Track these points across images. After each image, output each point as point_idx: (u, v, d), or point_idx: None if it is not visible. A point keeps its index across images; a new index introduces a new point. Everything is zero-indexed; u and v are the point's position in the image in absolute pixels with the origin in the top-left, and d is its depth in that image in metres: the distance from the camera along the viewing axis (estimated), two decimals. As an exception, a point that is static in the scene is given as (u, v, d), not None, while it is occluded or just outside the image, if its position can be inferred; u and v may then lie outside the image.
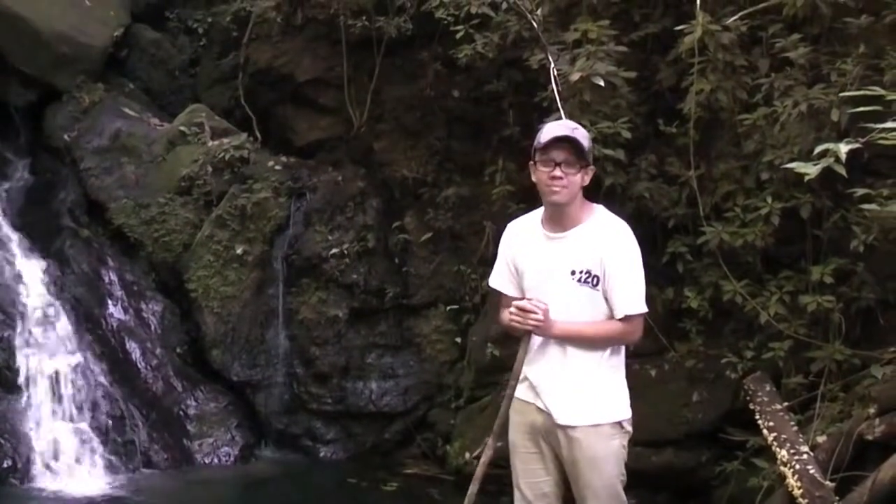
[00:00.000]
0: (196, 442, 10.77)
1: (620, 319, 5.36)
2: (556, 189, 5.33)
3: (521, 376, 5.56)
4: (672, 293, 9.28)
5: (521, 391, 5.59)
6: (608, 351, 5.43)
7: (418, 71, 11.63)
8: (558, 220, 5.44)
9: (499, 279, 5.72)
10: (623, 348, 5.53)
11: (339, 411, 11.23)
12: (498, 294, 5.81)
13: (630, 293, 5.36)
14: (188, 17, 14.01)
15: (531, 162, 5.48)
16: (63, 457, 9.97)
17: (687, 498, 9.37)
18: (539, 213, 5.61)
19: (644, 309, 5.44)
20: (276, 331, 11.41)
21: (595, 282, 5.33)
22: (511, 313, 5.37)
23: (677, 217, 9.19)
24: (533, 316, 5.27)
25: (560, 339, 5.40)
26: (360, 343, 11.34)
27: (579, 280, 5.35)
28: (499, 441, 5.58)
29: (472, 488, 5.60)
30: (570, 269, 5.36)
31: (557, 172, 5.31)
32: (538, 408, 5.50)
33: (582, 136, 5.41)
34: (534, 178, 5.49)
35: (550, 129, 5.45)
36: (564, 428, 5.41)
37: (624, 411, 5.49)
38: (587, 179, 5.43)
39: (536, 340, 5.47)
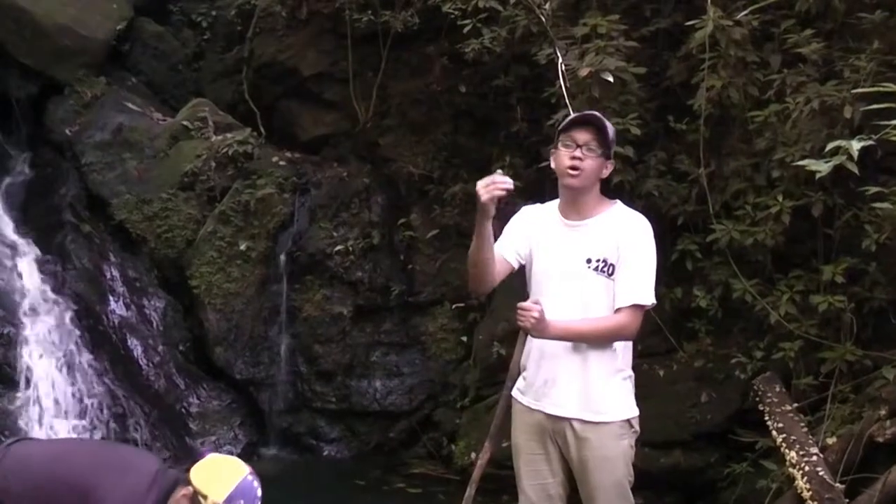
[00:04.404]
0: (198, 440, 10.78)
1: (619, 310, 5.36)
2: (574, 172, 5.36)
3: (529, 379, 5.57)
4: (681, 292, 9.26)
5: (528, 392, 5.60)
6: (618, 348, 5.44)
7: (425, 66, 11.65)
8: (576, 208, 5.47)
9: (502, 243, 5.67)
10: (631, 345, 5.54)
11: (343, 410, 11.25)
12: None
13: (638, 283, 5.36)
14: (192, 10, 14.03)
15: (552, 149, 5.52)
16: (63, 454, 9.99)
17: (694, 499, 9.39)
18: (555, 202, 5.63)
19: (648, 301, 5.43)
20: (279, 328, 11.43)
21: (611, 271, 5.34)
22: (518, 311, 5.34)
23: (686, 215, 9.19)
24: (531, 314, 5.26)
25: (556, 339, 5.41)
26: (364, 341, 11.36)
27: (595, 269, 5.37)
28: (498, 442, 5.59)
29: (470, 490, 5.60)
30: (587, 256, 5.38)
31: (578, 153, 5.35)
32: (547, 407, 5.50)
33: (608, 124, 5.48)
34: (552, 165, 5.53)
35: (576, 114, 5.50)
36: (574, 427, 5.42)
37: (632, 409, 5.51)
38: (606, 172, 5.48)
39: (540, 342, 5.48)
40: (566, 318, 5.36)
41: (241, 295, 11.39)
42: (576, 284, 5.38)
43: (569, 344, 5.41)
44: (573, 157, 5.36)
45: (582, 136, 5.37)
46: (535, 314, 5.23)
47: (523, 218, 5.73)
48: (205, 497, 4.46)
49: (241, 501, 4.46)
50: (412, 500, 10.02)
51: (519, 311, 5.31)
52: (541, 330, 5.30)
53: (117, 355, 10.90)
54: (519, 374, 5.57)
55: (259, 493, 4.54)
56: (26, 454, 4.91)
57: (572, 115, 5.54)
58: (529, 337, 5.46)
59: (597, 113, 5.60)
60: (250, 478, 4.56)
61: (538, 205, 5.77)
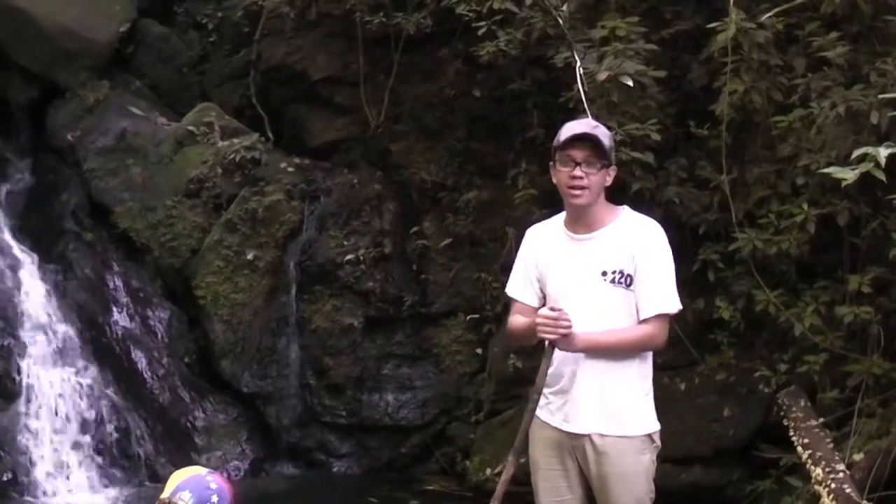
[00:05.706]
0: (204, 455, 10.76)
1: (645, 321, 5.39)
2: (577, 192, 5.36)
3: (547, 392, 5.58)
4: (702, 303, 9.27)
5: (546, 406, 5.61)
6: (637, 360, 5.47)
7: (438, 69, 11.65)
8: (583, 221, 5.46)
9: (517, 286, 5.72)
10: (651, 357, 5.56)
11: (354, 424, 11.25)
12: (512, 301, 5.84)
13: (661, 291, 5.38)
14: (197, 11, 14.02)
15: (551, 163, 5.53)
16: (65, 470, 10.03)
17: (717, 518, 9.41)
18: (561, 216, 5.64)
19: (674, 308, 5.48)
20: (288, 340, 11.44)
21: (629, 281, 5.35)
22: (539, 323, 5.36)
23: (708, 223, 9.20)
24: (562, 324, 5.27)
25: (584, 352, 5.43)
26: (375, 353, 11.35)
27: (612, 281, 5.37)
28: (521, 458, 5.61)
29: (493, 508, 5.62)
30: (601, 269, 5.38)
31: (577, 172, 5.34)
32: (564, 422, 5.53)
33: (603, 134, 5.46)
34: (554, 180, 5.54)
35: (570, 128, 5.49)
36: (593, 442, 5.44)
37: (654, 423, 5.52)
38: (609, 179, 5.47)
39: (561, 353, 5.49)
40: (588, 332, 5.38)
41: (248, 305, 11.41)
42: (593, 299, 5.39)
43: (588, 356, 5.43)
44: (573, 177, 5.36)
45: (579, 153, 5.35)
46: (565, 326, 5.27)
47: (529, 245, 5.72)
48: (159, 501, 4.50)
49: (187, 490, 4.47)
50: (424, 518, 10.08)
51: (544, 323, 5.31)
52: (569, 342, 5.33)
53: (120, 367, 10.94)
54: (543, 386, 5.57)
55: (214, 486, 4.51)
56: None
57: (566, 130, 5.51)
58: (556, 350, 5.47)
59: (590, 126, 5.58)
60: (204, 472, 4.57)
61: (543, 223, 5.78)
